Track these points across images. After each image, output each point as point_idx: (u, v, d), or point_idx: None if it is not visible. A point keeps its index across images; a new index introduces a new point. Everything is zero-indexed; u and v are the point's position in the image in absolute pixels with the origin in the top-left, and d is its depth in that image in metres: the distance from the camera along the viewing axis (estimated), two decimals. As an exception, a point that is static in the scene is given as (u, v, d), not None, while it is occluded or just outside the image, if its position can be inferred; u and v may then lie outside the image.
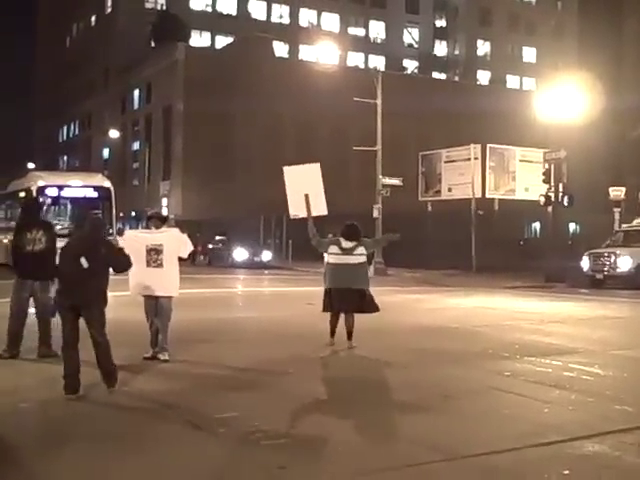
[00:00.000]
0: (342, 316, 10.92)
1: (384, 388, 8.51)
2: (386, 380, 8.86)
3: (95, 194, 26.81)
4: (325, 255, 11.33)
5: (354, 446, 6.16)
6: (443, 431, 6.61)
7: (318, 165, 12.24)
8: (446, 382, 8.75)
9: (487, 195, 33.08)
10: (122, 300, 10.23)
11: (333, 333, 10.82)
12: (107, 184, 27.56)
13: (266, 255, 35.33)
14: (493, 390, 8.33)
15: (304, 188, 11.88)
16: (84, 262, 7.71)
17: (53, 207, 26.20)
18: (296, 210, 12.15)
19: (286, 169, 12.56)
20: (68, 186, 26.57)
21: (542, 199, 26.42)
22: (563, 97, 26.33)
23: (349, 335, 10.78)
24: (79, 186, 26.85)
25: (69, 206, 26.96)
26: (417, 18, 74.91)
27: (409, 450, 6.08)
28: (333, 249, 10.94)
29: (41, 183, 26.32)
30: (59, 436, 6.39)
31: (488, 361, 10.10)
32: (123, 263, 8.40)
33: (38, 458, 5.76)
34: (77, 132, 77.64)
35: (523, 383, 8.64)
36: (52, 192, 25.98)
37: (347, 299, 10.70)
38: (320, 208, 12.01)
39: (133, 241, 9.35)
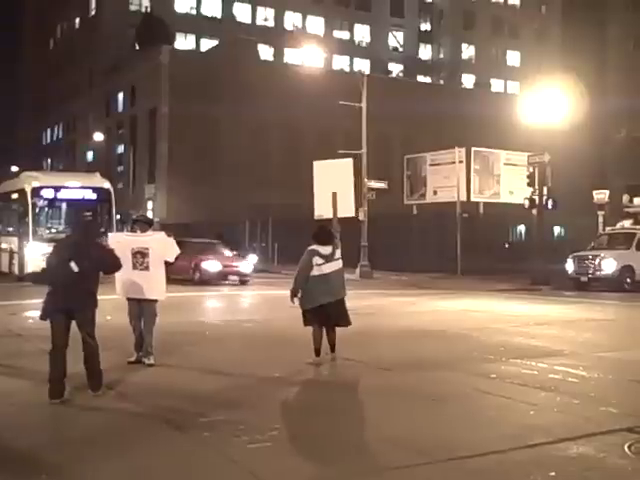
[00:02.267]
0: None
1: (369, 391, 8.50)
2: (371, 383, 8.85)
3: (94, 196, 25.28)
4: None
5: (338, 449, 6.15)
6: (427, 434, 6.61)
7: (351, 161, 11.56)
8: (431, 385, 8.76)
9: (472, 198, 33.18)
10: (108, 304, 10.15)
11: (319, 352, 9.84)
12: (106, 185, 26.15)
13: (251, 258, 35.22)
14: (478, 392, 8.34)
15: (332, 186, 11.31)
16: (74, 266, 7.62)
17: (48, 210, 24.93)
18: (321, 210, 11.37)
19: (316, 163, 11.81)
20: (65, 187, 24.95)
21: (527, 202, 26.54)
22: (547, 100, 26.46)
23: (333, 347, 9.98)
24: (77, 187, 25.19)
25: (66, 209, 25.33)
26: (402, 21, 75.11)
27: (393, 453, 6.07)
28: (315, 260, 9.75)
29: (36, 184, 24.72)
30: (43, 442, 6.32)
31: (474, 364, 10.11)
32: (113, 265, 8.36)
33: (22, 463, 5.71)
34: (61, 135, 77.26)
35: (509, 385, 8.66)
36: (48, 194, 24.46)
37: (335, 311, 9.87)
38: (347, 209, 11.37)
39: (118, 244, 9.24)
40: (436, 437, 6.49)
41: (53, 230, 24.19)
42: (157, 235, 10.04)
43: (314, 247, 9.80)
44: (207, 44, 62.26)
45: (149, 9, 63.12)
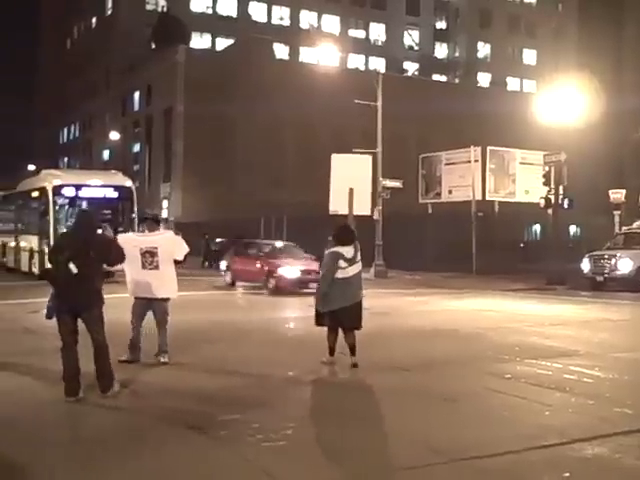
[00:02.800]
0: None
1: (382, 391, 8.49)
2: (384, 383, 8.84)
3: (115, 194, 24.73)
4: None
5: (354, 448, 6.16)
6: (442, 433, 6.61)
7: (369, 158, 11.38)
8: (445, 384, 8.76)
9: (487, 197, 33.04)
10: (116, 302, 10.19)
11: (333, 351, 9.68)
12: (128, 183, 25.65)
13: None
14: (493, 392, 8.32)
15: (349, 182, 11.11)
16: (73, 268, 7.48)
17: (69, 208, 23.99)
18: (336, 205, 11.18)
19: (335, 156, 11.71)
20: (86, 185, 24.31)
21: (542, 202, 26.40)
22: (563, 99, 26.30)
23: (353, 350, 9.60)
24: (98, 185, 24.59)
25: (87, 207, 23.98)
26: (417, 20, 74.98)
27: (409, 452, 6.08)
28: (340, 263, 9.44)
29: (57, 182, 24.24)
30: (56, 440, 6.37)
31: (488, 363, 10.09)
32: (116, 256, 8.27)
33: (37, 462, 5.75)
34: (78, 134, 77.69)
35: (523, 385, 8.64)
36: (69, 192, 23.84)
37: (355, 314, 9.62)
38: (363, 206, 11.15)
39: (126, 244, 9.24)
40: (450, 437, 6.49)
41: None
42: (166, 234, 10.10)
43: (337, 250, 9.47)
44: (223, 43, 62.40)
45: (165, 8, 63.36)
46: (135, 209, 25.09)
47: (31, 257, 25.52)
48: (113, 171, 29.27)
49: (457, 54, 77.88)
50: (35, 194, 26.07)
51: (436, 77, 71.92)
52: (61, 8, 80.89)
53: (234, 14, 66.36)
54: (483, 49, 77.79)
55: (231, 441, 6.27)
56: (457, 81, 71.81)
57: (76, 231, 8.28)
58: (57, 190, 23.78)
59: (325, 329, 9.81)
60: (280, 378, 8.90)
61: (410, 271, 29.53)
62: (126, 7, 63.24)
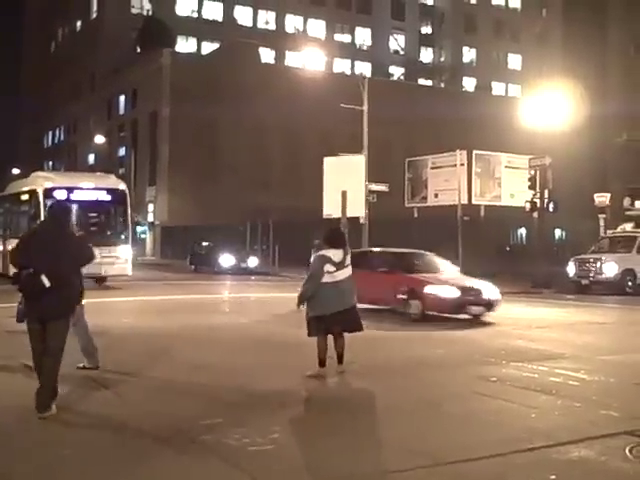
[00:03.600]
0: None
1: (368, 394, 8.49)
2: (370, 386, 8.82)
3: (108, 197, 24.10)
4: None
5: (337, 452, 6.12)
6: (428, 437, 6.59)
7: (362, 158, 11.07)
8: (431, 388, 8.75)
9: (473, 201, 33.11)
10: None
11: (324, 362, 9.20)
12: (122, 186, 24.97)
13: (252, 261, 35.23)
14: (479, 395, 8.31)
15: (342, 184, 10.81)
16: (45, 281, 6.84)
17: None
18: (330, 209, 10.89)
19: (327, 160, 11.42)
20: (79, 188, 23.55)
21: (528, 205, 26.50)
22: (548, 104, 26.44)
23: (340, 358, 9.36)
24: (91, 188, 23.87)
25: (79, 211, 23.36)
26: (403, 25, 75.21)
27: (393, 456, 6.06)
28: (327, 267, 9.15)
29: (48, 185, 23.40)
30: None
31: (474, 366, 10.09)
32: (90, 256, 7.73)
33: None
34: (63, 137, 77.37)
35: (509, 388, 8.64)
36: (60, 195, 22.73)
37: (353, 317, 9.37)
38: (357, 208, 10.83)
39: None
40: (437, 440, 6.47)
41: None
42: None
43: (325, 253, 9.21)
44: (208, 47, 62.36)
45: (150, 12, 63.27)
46: (129, 213, 24.87)
47: None
48: (99, 173, 29.16)
49: (442, 58, 78.18)
50: (25, 197, 25.41)
51: (422, 81, 72.14)
52: (45, 11, 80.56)
53: (219, 18, 66.33)
54: (468, 54, 78.12)
55: (217, 445, 6.23)
56: (442, 85, 72.10)
57: (48, 230, 7.47)
58: (48, 193, 22.92)
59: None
60: (269, 382, 8.86)
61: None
62: (111, 11, 63.05)
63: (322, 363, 9.16)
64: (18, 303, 7.32)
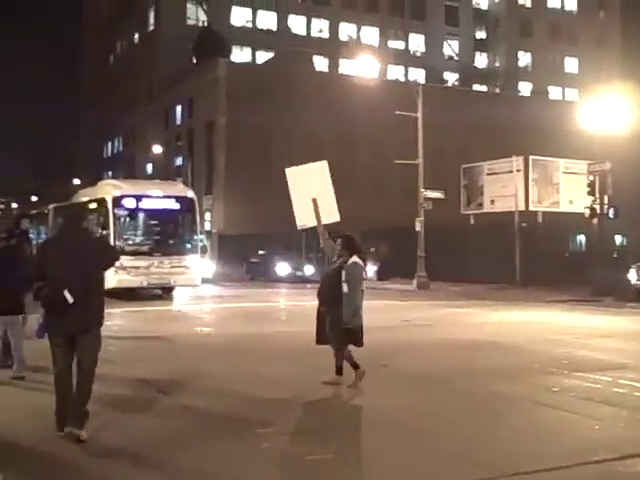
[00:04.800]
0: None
1: (428, 403, 8.43)
2: (430, 395, 8.79)
3: (177, 205, 23.59)
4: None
5: (398, 461, 6.13)
6: (489, 447, 6.54)
7: (325, 163, 10.76)
8: (491, 397, 8.67)
9: (530, 208, 32.71)
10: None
11: (342, 370, 9.22)
12: (190, 194, 24.42)
13: (308, 269, 35.35)
14: (540, 406, 8.22)
15: (311, 192, 10.24)
16: (69, 297, 6.37)
17: (129, 220, 23.14)
18: (304, 219, 10.59)
19: (289, 170, 10.87)
20: (147, 196, 23.18)
21: (587, 211, 26.05)
22: (607, 108, 25.99)
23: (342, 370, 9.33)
24: (160, 196, 23.42)
25: (147, 219, 23.59)
26: (457, 30, 74.72)
27: (454, 466, 6.03)
28: (363, 274, 9.35)
29: (117, 193, 22.93)
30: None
31: (535, 376, 9.98)
32: (114, 259, 7.43)
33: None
34: (121, 148, 78.79)
35: (571, 399, 8.52)
36: (129, 203, 22.74)
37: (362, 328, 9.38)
38: (331, 214, 10.20)
39: None
40: (499, 451, 6.43)
41: (135, 241, 23.04)
42: None
43: (358, 261, 9.16)
44: (263, 56, 62.85)
45: (206, 23, 64.04)
46: (197, 221, 24.43)
47: None
48: (179, 182, 28.78)
49: (497, 63, 77.40)
50: (93, 205, 24.65)
51: (476, 87, 71.50)
52: (104, 25, 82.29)
53: (274, 27, 66.83)
54: (524, 58, 77.19)
55: (275, 453, 6.28)
56: (498, 91, 71.33)
57: (67, 236, 6.93)
58: (117, 201, 22.61)
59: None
60: (320, 389, 8.89)
61: (453, 282, 29.34)
62: (168, 23, 64.06)
63: (341, 371, 9.16)
64: (39, 317, 6.87)
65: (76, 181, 74.30)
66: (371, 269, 33.60)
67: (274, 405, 8.16)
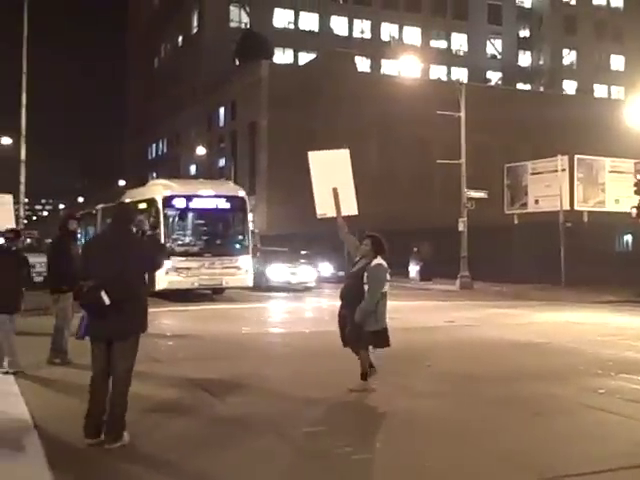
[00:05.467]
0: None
1: (472, 404, 8.41)
2: (474, 396, 8.77)
3: (228, 205, 23.06)
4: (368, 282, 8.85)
5: (442, 463, 6.14)
6: (534, 450, 6.51)
7: (347, 152, 10.11)
8: (536, 399, 8.62)
9: (576, 207, 32.31)
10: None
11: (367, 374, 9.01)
12: (242, 193, 23.85)
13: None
14: (586, 408, 8.16)
15: (333, 181, 9.85)
16: (105, 299, 6.13)
17: (180, 220, 22.65)
18: (324, 208, 10.31)
19: (311, 154, 10.18)
20: (198, 196, 22.71)
21: (634, 211, 25.67)
22: (655, 105, 25.61)
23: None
24: (211, 196, 22.95)
25: (197, 220, 23.10)
26: (500, 29, 74.07)
27: (500, 468, 6.03)
28: (387, 276, 8.99)
29: (167, 193, 22.47)
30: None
31: (580, 378, 9.89)
32: (159, 261, 6.94)
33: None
34: (165, 149, 79.67)
35: (618, 401, 8.43)
36: (180, 203, 22.34)
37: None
38: (350, 207, 9.91)
39: None
40: (543, 453, 6.40)
41: (186, 242, 22.54)
42: None
43: (382, 262, 8.89)
44: (305, 57, 63.04)
45: (248, 25, 64.48)
46: (249, 221, 23.92)
47: None
48: (229, 181, 27.68)
49: (541, 62, 76.57)
50: (142, 206, 24.06)
51: (520, 86, 70.84)
52: (148, 29, 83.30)
53: (316, 28, 67.01)
54: (568, 56, 76.23)
55: (321, 453, 6.33)
56: (542, 89, 70.57)
57: (110, 235, 6.75)
58: (168, 201, 22.21)
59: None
60: (365, 390, 8.94)
61: (496, 283, 29.12)
62: (211, 25, 64.66)
63: (367, 376, 8.94)
64: (81, 317, 6.75)
65: (121, 182, 75.42)
66: (414, 269, 33.56)
67: (320, 405, 8.24)
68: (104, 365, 6.38)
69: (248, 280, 23.09)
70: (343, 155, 10.19)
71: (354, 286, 8.94)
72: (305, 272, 28.36)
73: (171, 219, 22.33)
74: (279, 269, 27.78)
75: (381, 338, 8.79)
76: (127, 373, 6.41)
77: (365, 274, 8.79)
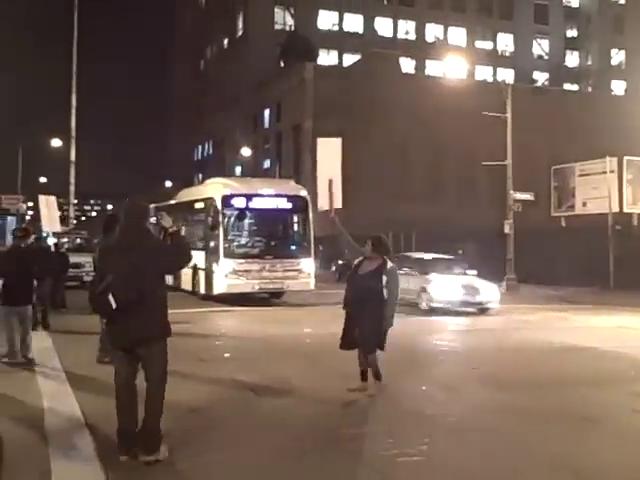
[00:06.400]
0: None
1: (520, 408, 8.33)
2: (520, 399, 8.68)
3: (289, 205, 22.01)
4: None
5: (489, 466, 6.11)
6: (585, 456, 6.44)
7: (339, 140, 9.98)
8: (586, 404, 8.52)
9: (625, 209, 31.80)
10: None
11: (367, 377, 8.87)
12: (303, 193, 22.48)
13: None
14: (637, 414, 8.04)
15: (330, 171, 9.55)
16: (112, 302, 5.70)
17: (239, 221, 21.68)
18: (321, 201, 9.51)
19: (320, 140, 10.17)
20: (259, 195, 21.68)
21: (685, 213, 25.22)
22: None
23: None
24: (272, 195, 21.90)
25: (258, 220, 22.01)
26: (547, 29, 73.22)
27: (552, 476, 5.97)
28: None
29: (226, 192, 21.53)
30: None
31: (631, 384, 9.74)
32: (183, 259, 6.27)
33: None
34: (211, 150, 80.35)
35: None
36: (239, 202, 21.37)
37: None
38: (337, 199, 9.56)
39: None
40: (594, 459, 6.32)
41: (246, 243, 21.70)
42: None
43: (393, 264, 8.88)
44: (349, 59, 63.04)
45: (293, 27, 64.75)
46: (311, 222, 22.31)
47: (195, 275, 22.81)
48: (290, 180, 26.79)
49: (589, 62, 75.46)
50: (200, 205, 23.73)
51: (567, 86, 69.94)
52: (195, 32, 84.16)
53: (360, 30, 66.98)
54: (617, 56, 75.02)
55: (365, 454, 6.34)
56: (590, 90, 69.58)
57: (124, 235, 6.14)
58: (227, 200, 21.28)
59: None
60: (411, 392, 8.92)
61: (543, 285, 28.79)
62: (256, 28, 65.05)
63: (379, 377, 8.78)
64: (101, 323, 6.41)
65: (168, 183, 76.20)
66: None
67: (365, 406, 8.25)
68: (127, 374, 5.96)
69: (311, 283, 21.87)
70: (336, 144, 10.02)
71: (368, 289, 8.68)
72: (485, 287, 20.18)
73: (230, 219, 21.46)
74: (448, 283, 20.11)
75: (383, 340, 8.72)
76: (159, 381, 5.93)
77: (384, 277, 8.65)
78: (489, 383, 9.70)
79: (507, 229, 29.50)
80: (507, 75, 66.47)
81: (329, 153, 9.91)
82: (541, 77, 72.22)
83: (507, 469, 6.08)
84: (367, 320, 8.54)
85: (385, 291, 8.60)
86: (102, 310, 5.88)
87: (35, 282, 11.10)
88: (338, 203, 9.46)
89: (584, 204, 33.34)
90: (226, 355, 12.03)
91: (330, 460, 6.21)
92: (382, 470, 5.96)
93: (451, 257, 23.82)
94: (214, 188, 22.81)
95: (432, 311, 19.30)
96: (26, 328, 10.57)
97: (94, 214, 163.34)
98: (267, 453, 6.38)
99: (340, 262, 38.20)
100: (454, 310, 19.25)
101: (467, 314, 19.13)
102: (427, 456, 6.34)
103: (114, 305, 5.65)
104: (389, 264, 8.77)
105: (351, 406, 8.27)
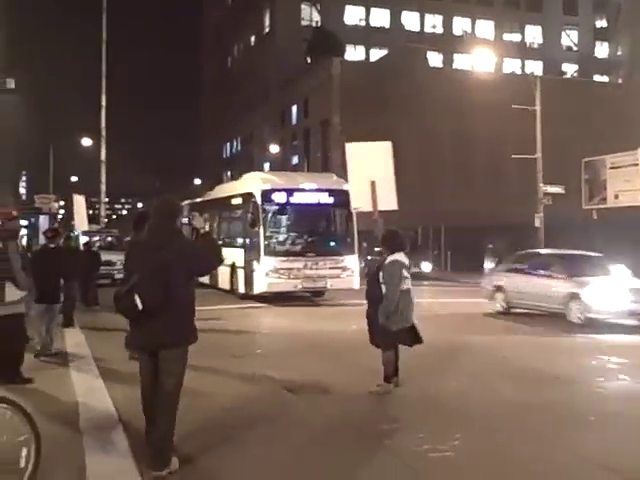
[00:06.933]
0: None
1: (551, 401, 8.28)
2: (554, 392, 8.63)
3: (330, 199, 21.02)
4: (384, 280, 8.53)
5: (523, 461, 6.08)
6: (617, 450, 6.40)
7: (389, 144, 9.77)
8: (622, 398, 8.45)
9: (657, 201, 31.38)
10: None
11: (391, 378, 8.71)
12: (346, 187, 18.92)
13: (425, 266, 35.17)
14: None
15: (370, 174, 9.53)
16: (138, 302, 5.43)
17: (280, 217, 21.15)
18: (359, 201, 9.97)
19: (349, 146, 9.94)
20: (300, 190, 20.91)
21: None
22: None
23: (397, 370, 8.86)
24: (313, 190, 21.04)
25: (299, 216, 21.36)
26: (576, 20, 72.44)
27: (583, 469, 5.94)
28: (404, 273, 8.58)
29: (266, 186, 20.79)
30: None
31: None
32: (212, 261, 6.03)
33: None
34: (239, 147, 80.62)
35: None
36: (279, 197, 20.59)
37: (414, 330, 8.78)
38: (389, 201, 9.54)
39: None
40: (627, 454, 6.31)
41: (286, 240, 21.07)
42: None
43: (397, 258, 8.59)
44: (376, 54, 62.91)
45: (319, 23, 64.71)
46: (354, 217, 21.02)
47: (233, 273, 22.11)
48: (332, 174, 26.07)
49: (619, 53, 74.50)
50: (237, 201, 23.08)
51: (597, 78, 69.15)
52: (221, 28, 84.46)
53: (387, 25, 66.78)
54: (648, 46, 74.01)
55: (398, 450, 6.35)
56: (620, 81, 68.73)
57: (148, 240, 5.85)
58: (266, 195, 20.52)
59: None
60: (443, 389, 8.90)
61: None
62: (283, 24, 65.14)
63: (390, 378, 8.67)
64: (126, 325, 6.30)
65: (197, 181, 76.60)
66: (489, 266, 33.17)
67: (397, 402, 8.26)
68: (151, 380, 5.69)
69: (355, 282, 20.75)
70: (384, 148, 9.96)
71: (372, 285, 8.79)
72: None
73: (270, 215, 20.72)
74: (610, 288, 15.96)
75: (409, 336, 8.60)
76: (174, 389, 5.62)
77: (380, 273, 8.62)
78: (527, 376, 9.61)
79: (537, 222, 29.32)
80: (536, 67, 65.88)
81: (366, 156, 9.98)
82: (570, 69, 71.47)
83: (538, 463, 6.06)
84: (375, 318, 8.60)
85: (384, 287, 8.50)
86: (126, 310, 5.58)
87: (62, 281, 11.51)
88: (392, 204, 9.48)
89: (616, 197, 32.91)
90: (271, 351, 12.07)
91: (362, 455, 6.23)
92: (413, 465, 5.97)
93: (592, 254, 19.80)
94: (253, 183, 22.20)
95: (587, 325, 15.28)
96: (53, 326, 11.11)
97: (124, 212, 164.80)
98: (297, 450, 6.42)
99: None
100: (619, 323, 15.48)
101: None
102: (457, 451, 6.32)
103: (140, 306, 5.41)
104: (388, 259, 8.63)
105: (384, 402, 8.28)
